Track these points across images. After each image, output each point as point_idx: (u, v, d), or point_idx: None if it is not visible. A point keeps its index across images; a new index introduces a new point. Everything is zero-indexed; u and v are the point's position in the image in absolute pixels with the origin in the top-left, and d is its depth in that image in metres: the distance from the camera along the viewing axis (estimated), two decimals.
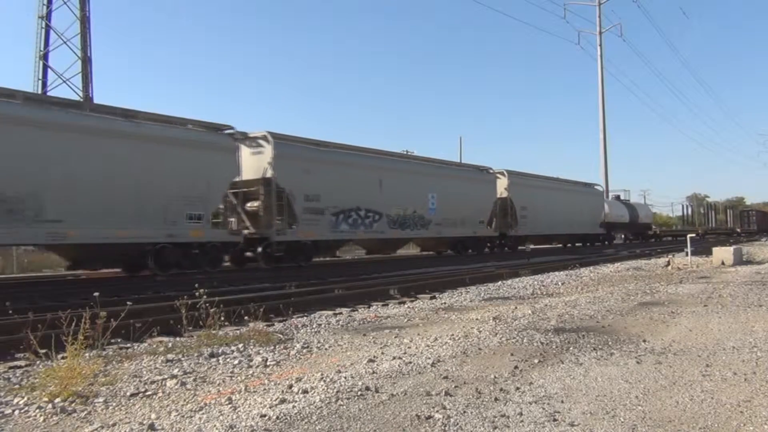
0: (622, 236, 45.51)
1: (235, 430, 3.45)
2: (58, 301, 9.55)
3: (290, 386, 4.34)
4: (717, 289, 10.57)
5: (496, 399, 3.94)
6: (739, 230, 59.89)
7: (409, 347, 5.81)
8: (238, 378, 4.82)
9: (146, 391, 4.41)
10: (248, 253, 17.52)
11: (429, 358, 5.20)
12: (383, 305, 9.93)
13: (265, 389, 4.36)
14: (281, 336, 6.80)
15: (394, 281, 12.92)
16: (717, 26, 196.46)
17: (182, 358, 5.56)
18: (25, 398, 4.25)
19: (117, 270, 16.19)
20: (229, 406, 3.92)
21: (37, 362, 5.30)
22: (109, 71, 79.73)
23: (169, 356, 5.65)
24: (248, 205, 17.26)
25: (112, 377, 4.81)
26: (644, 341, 5.85)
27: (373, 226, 20.83)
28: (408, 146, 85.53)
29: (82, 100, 25.36)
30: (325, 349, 6.00)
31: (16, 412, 3.96)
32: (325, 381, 4.49)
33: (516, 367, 4.80)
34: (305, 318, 8.39)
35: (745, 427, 3.36)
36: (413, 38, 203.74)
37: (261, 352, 5.82)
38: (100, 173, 13.39)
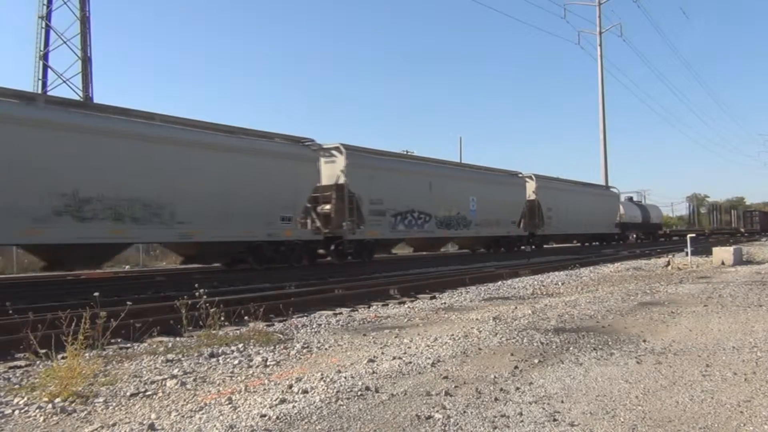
0: (634, 236, 46.11)
1: (235, 430, 3.45)
2: (58, 301, 9.55)
3: (290, 386, 4.34)
4: (717, 289, 10.57)
5: (496, 399, 3.94)
6: (743, 230, 60.87)
7: (409, 347, 5.81)
8: (238, 378, 4.81)
9: (146, 391, 4.41)
10: (321, 251, 19.54)
11: (429, 358, 5.20)
12: (383, 305, 9.93)
13: (265, 389, 4.35)
14: (281, 336, 6.80)
15: (394, 281, 12.94)
16: (717, 26, 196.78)
17: (182, 358, 5.56)
18: (25, 398, 4.24)
19: (122, 270, 16.41)
20: (229, 406, 3.92)
21: (37, 362, 5.29)
22: (109, 71, 79.79)
23: (169, 356, 5.65)
24: (320, 208, 19.29)
25: (112, 377, 4.81)
26: (644, 341, 5.85)
27: (424, 227, 22.94)
28: (408, 146, 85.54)
29: (82, 100, 25.39)
30: (325, 349, 6.00)
31: (16, 412, 3.95)
32: (325, 381, 4.49)
33: (516, 367, 4.80)
34: (305, 318, 8.39)
35: (745, 427, 3.36)
36: (413, 38, 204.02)
37: (261, 352, 5.82)
38: (217, 183, 15.63)
